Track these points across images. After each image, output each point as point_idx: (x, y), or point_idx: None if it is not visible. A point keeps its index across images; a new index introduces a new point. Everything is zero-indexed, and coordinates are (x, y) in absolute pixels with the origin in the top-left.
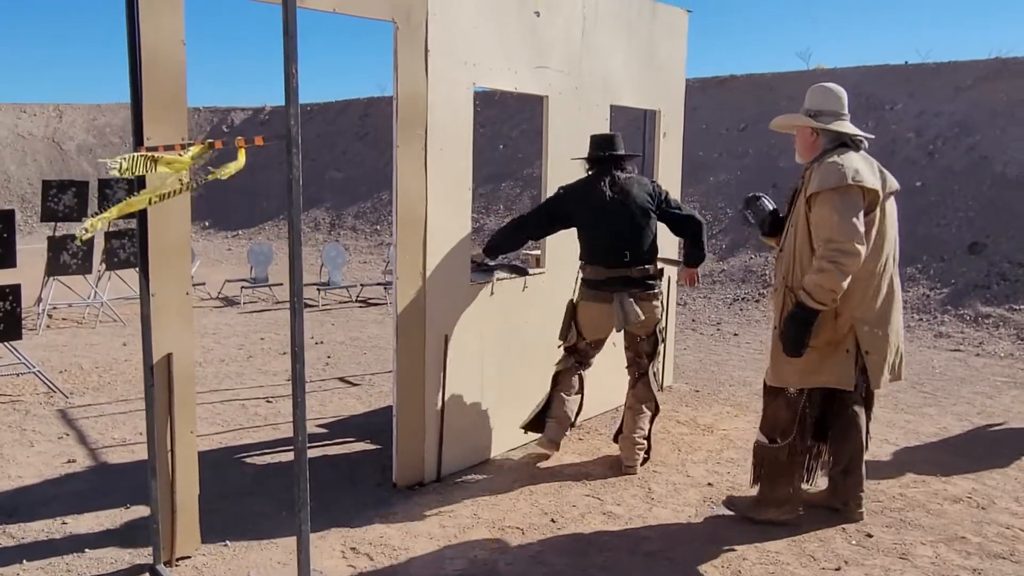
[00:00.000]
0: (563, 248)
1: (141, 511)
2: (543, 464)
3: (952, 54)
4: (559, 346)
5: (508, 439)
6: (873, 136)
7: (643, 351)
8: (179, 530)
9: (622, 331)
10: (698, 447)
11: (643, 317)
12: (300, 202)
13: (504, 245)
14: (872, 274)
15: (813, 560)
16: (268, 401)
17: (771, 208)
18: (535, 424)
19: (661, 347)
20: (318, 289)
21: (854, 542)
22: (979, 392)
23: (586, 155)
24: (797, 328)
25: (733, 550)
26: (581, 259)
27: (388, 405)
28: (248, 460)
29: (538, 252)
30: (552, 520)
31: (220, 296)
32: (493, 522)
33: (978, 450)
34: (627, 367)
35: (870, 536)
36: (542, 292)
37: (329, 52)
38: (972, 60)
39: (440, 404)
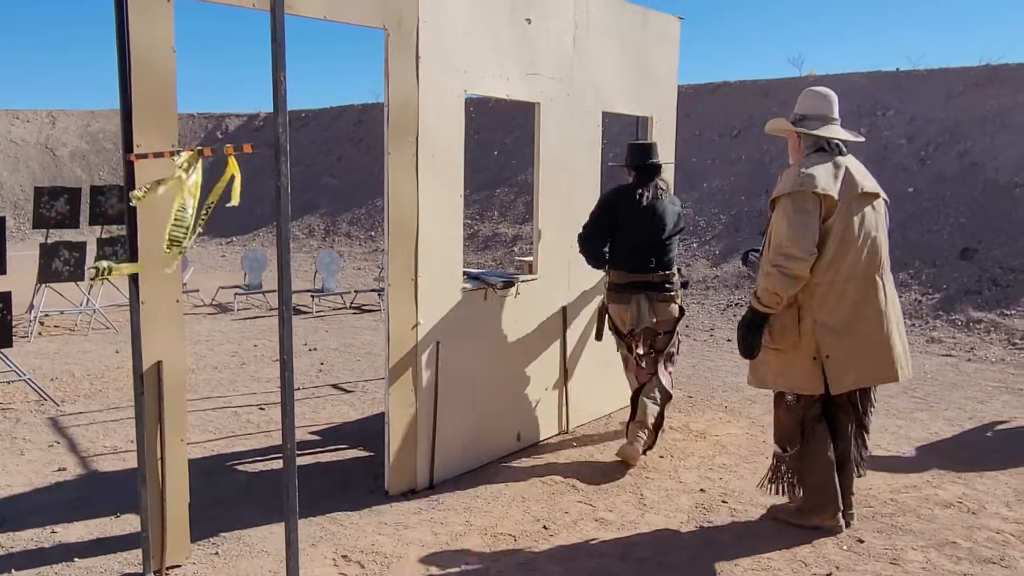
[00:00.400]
0: (555, 255)
1: (131, 520)
2: (535, 471)
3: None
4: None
5: (502, 445)
6: (863, 139)
7: (658, 346)
8: (169, 539)
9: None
10: (691, 453)
11: (655, 320)
12: (288, 210)
13: (595, 261)
14: (836, 280)
15: (805, 566)
16: (261, 408)
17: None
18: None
19: (677, 339)
20: (312, 295)
21: (845, 548)
22: (970, 397)
23: (625, 162)
24: (745, 330)
25: (725, 556)
26: (609, 263)
27: (381, 412)
28: (240, 468)
29: (531, 259)
30: (544, 527)
31: (214, 303)
32: (485, 529)
33: (968, 455)
34: (643, 357)
35: (861, 542)
36: (535, 298)
37: (324, 58)
38: (963, 67)
39: (433, 411)
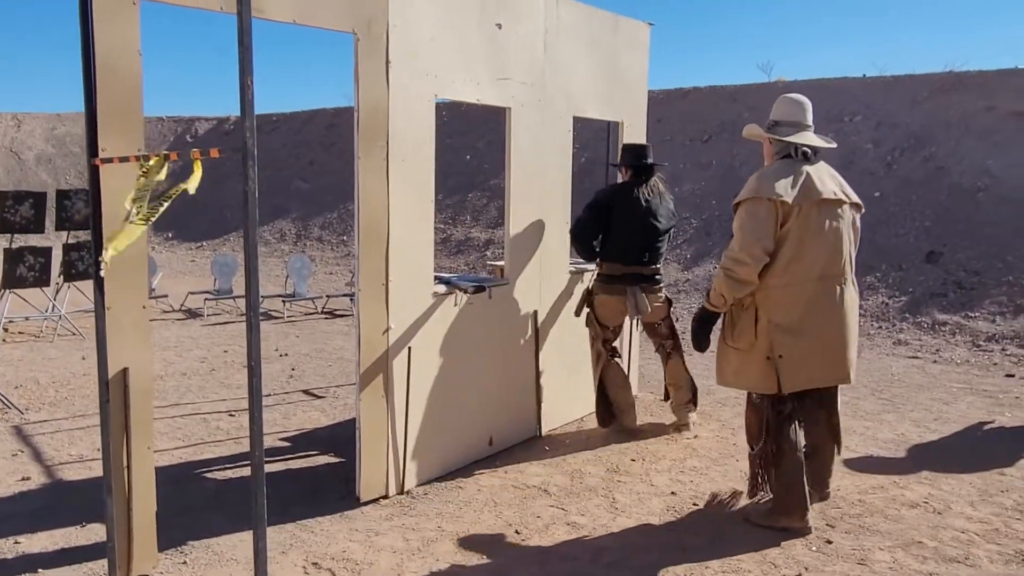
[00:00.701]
0: (526, 259)
1: (97, 529)
2: (508, 476)
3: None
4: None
5: (473, 450)
6: (835, 145)
7: (663, 334)
8: (136, 548)
9: (638, 322)
10: (662, 456)
11: (651, 309)
12: (256, 215)
13: (587, 254)
14: (791, 282)
15: (774, 567)
16: (231, 415)
17: None
18: (605, 419)
19: (678, 325)
20: (283, 301)
21: (814, 548)
22: (936, 399)
23: (619, 160)
24: (697, 326)
25: (695, 558)
26: (600, 255)
27: (352, 417)
28: (209, 475)
29: (502, 263)
30: (516, 531)
31: (183, 308)
32: (457, 534)
33: (934, 456)
34: (656, 351)
35: (830, 542)
36: (506, 302)
37: (296, 61)
38: (928, 73)
39: (404, 416)
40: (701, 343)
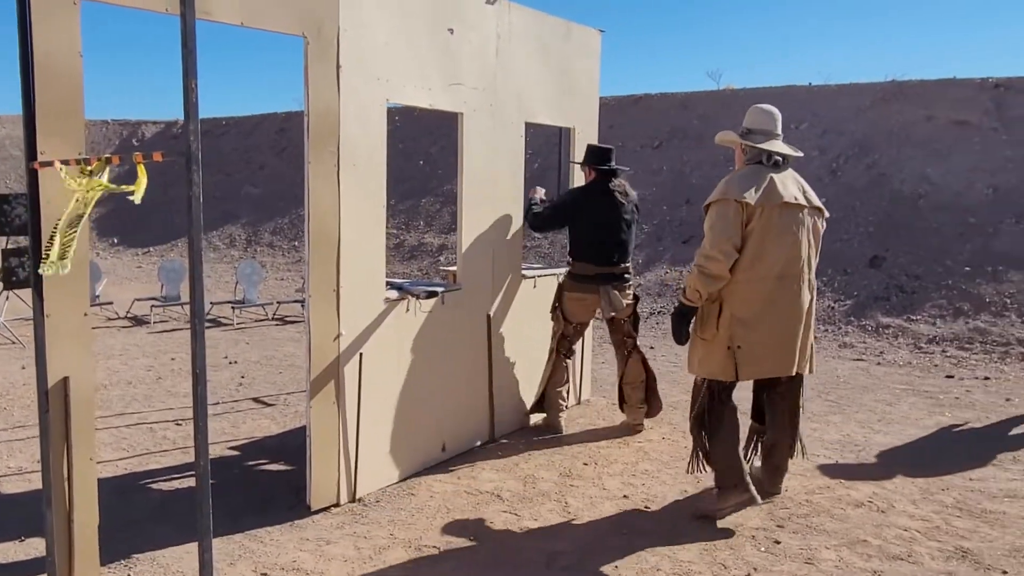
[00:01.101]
0: (479, 264)
1: (37, 543)
2: (461, 482)
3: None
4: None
5: (426, 457)
6: (801, 154)
7: (628, 331)
8: (77, 563)
9: (604, 319)
10: (614, 460)
11: (624, 306)
12: (200, 220)
13: (539, 232)
14: (752, 279)
15: (724, 568)
16: (178, 424)
17: None
18: (534, 407)
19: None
20: (233, 307)
21: (763, 549)
22: (880, 400)
23: (583, 161)
24: (675, 321)
25: (647, 561)
26: (571, 255)
27: (303, 425)
28: (155, 486)
29: (455, 269)
30: (470, 537)
31: (129, 315)
32: (409, 542)
33: (878, 456)
34: (617, 349)
35: (778, 543)
36: (459, 308)
37: (246, 65)
38: (871, 82)
39: (356, 423)
40: (680, 336)
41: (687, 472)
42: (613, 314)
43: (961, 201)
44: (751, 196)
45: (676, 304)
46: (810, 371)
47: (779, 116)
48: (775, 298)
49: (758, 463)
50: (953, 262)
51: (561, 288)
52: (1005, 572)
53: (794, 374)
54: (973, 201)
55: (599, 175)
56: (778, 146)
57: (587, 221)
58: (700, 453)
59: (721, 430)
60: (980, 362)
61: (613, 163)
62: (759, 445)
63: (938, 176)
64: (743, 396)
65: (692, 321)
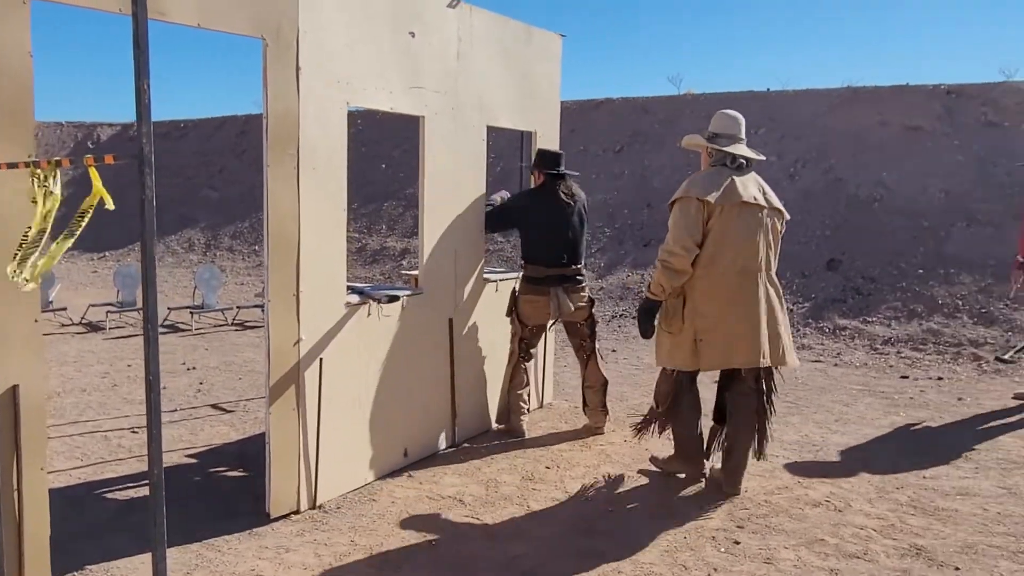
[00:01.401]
0: (441, 268)
1: None
2: (423, 487)
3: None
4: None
5: (388, 462)
6: (763, 158)
7: (585, 335)
8: (28, 574)
9: (561, 322)
10: (576, 463)
11: (574, 308)
12: (154, 224)
13: (489, 229)
14: (713, 274)
15: (685, 569)
16: (134, 431)
17: None
18: (500, 416)
19: (596, 327)
20: (191, 312)
21: (723, 550)
22: (837, 400)
23: (532, 164)
24: (642, 315)
25: (608, 563)
26: (523, 258)
27: (263, 431)
28: (110, 495)
29: (417, 272)
30: (431, 543)
31: (84, 321)
32: (371, 548)
33: (835, 456)
34: (576, 352)
35: (737, 543)
36: (421, 312)
37: (205, 67)
38: (827, 88)
39: (316, 429)
40: (646, 329)
41: (635, 437)
42: (560, 316)
43: (914, 205)
44: (712, 195)
45: (642, 299)
46: (788, 364)
47: (743, 121)
48: (735, 293)
49: (718, 464)
50: (907, 265)
51: (515, 291)
52: (958, 568)
53: (762, 366)
54: (926, 205)
55: (547, 179)
56: (741, 149)
57: (534, 224)
58: (657, 424)
59: (683, 408)
60: (933, 363)
61: (563, 167)
62: (721, 445)
63: (892, 180)
64: (706, 398)
65: (657, 315)
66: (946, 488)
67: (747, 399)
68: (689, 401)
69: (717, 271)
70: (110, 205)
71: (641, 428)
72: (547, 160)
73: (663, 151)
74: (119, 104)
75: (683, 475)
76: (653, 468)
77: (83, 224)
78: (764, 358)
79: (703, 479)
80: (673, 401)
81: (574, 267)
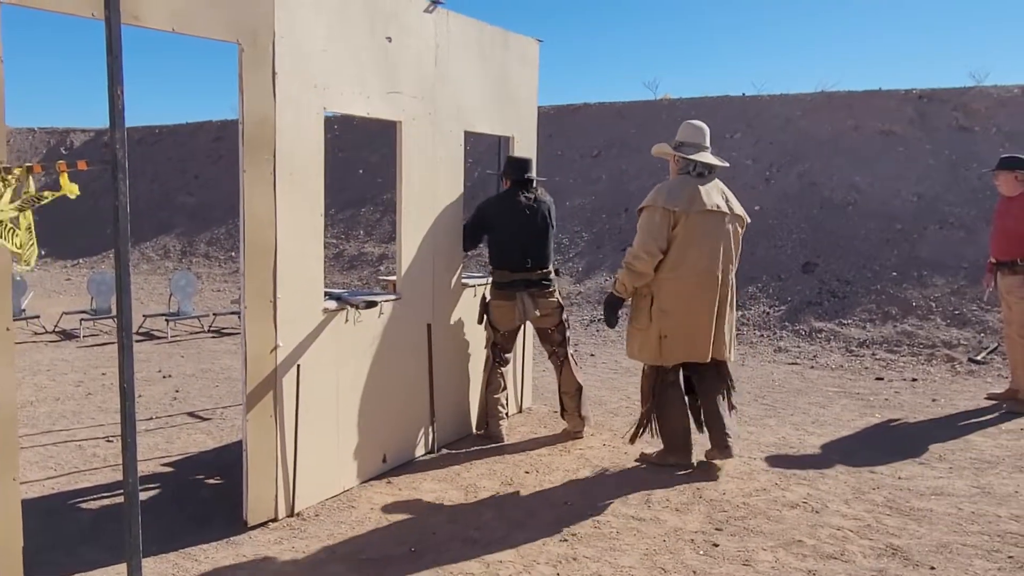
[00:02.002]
0: (419, 273)
1: None
2: (402, 493)
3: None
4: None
5: (366, 468)
6: (727, 164)
7: (555, 341)
8: None
9: (532, 329)
10: (555, 468)
11: (539, 313)
12: (128, 230)
13: (465, 248)
14: (677, 276)
15: (664, 572)
16: (108, 440)
17: None
18: (479, 423)
19: (569, 333)
20: (167, 320)
21: (702, 552)
22: (813, 402)
23: (502, 171)
24: (607, 308)
25: (588, 567)
26: (491, 263)
27: (240, 439)
28: (84, 505)
29: (395, 278)
30: (411, 549)
31: (57, 329)
32: (350, 555)
33: (812, 457)
34: (549, 358)
35: (716, 545)
36: (399, 317)
37: (180, 72)
38: (802, 93)
39: (294, 436)
40: (610, 321)
41: (630, 442)
42: (527, 320)
43: (888, 208)
44: (678, 203)
45: (607, 295)
46: (728, 359)
47: (707, 130)
48: (695, 294)
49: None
50: (881, 267)
51: (484, 297)
52: (933, 567)
53: (709, 360)
54: (899, 208)
55: (513, 184)
56: (707, 157)
57: (498, 229)
58: (650, 424)
59: (667, 403)
60: (908, 364)
61: (531, 173)
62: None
63: (866, 184)
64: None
65: (619, 311)
66: (921, 488)
67: (707, 382)
68: (672, 396)
69: (681, 275)
70: (75, 192)
71: (636, 433)
72: (513, 166)
73: (640, 156)
74: (93, 110)
75: (674, 465)
76: (650, 462)
77: (39, 202)
78: (717, 354)
79: (692, 466)
80: (657, 397)
81: (540, 272)
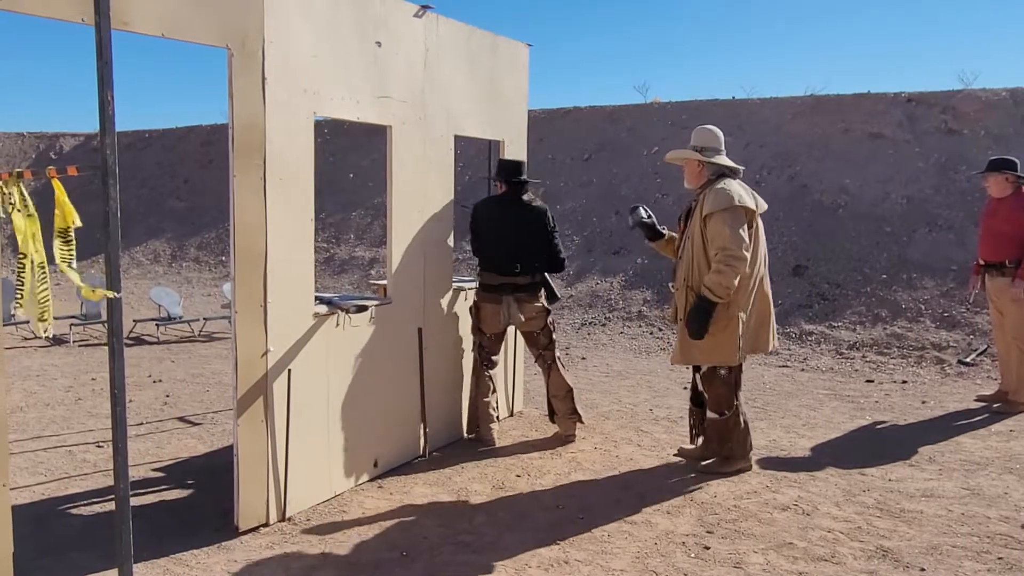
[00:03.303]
0: (409, 277)
1: None
2: (394, 498)
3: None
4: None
5: (357, 473)
6: (744, 167)
7: (541, 344)
8: None
9: (518, 333)
10: (547, 471)
11: (523, 318)
12: (118, 235)
13: (474, 250)
14: (750, 276)
15: (656, 575)
16: (99, 446)
17: (644, 217)
18: (470, 426)
19: (555, 336)
20: (157, 324)
21: (693, 555)
22: (804, 405)
23: (494, 175)
24: (699, 317)
25: (580, 571)
26: (479, 265)
27: (231, 444)
28: (75, 511)
29: (385, 282)
30: (403, 554)
31: (47, 335)
32: (341, 560)
33: (803, 459)
34: (536, 362)
35: (707, 548)
36: (390, 321)
37: (170, 76)
38: (791, 96)
39: (285, 440)
40: (703, 331)
41: (691, 442)
42: (511, 324)
43: (877, 211)
44: (751, 202)
45: (699, 302)
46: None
47: (722, 135)
48: (759, 290)
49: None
50: (871, 270)
51: (474, 303)
52: (923, 569)
53: (770, 350)
54: (888, 211)
55: (508, 188)
56: (729, 161)
57: (486, 232)
58: (719, 430)
59: (741, 413)
60: (898, 366)
61: (524, 175)
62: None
63: (855, 187)
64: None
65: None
66: (911, 490)
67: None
68: (740, 402)
69: (752, 272)
70: (77, 223)
71: (707, 442)
72: (506, 169)
73: (631, 159)
74: (82, 114)
75: (738, 471)
76: (714, 472)
77: (72, 248)
78: (771, 344)
79: (752, 466)
80: (737, 404)
81: (527, 276)
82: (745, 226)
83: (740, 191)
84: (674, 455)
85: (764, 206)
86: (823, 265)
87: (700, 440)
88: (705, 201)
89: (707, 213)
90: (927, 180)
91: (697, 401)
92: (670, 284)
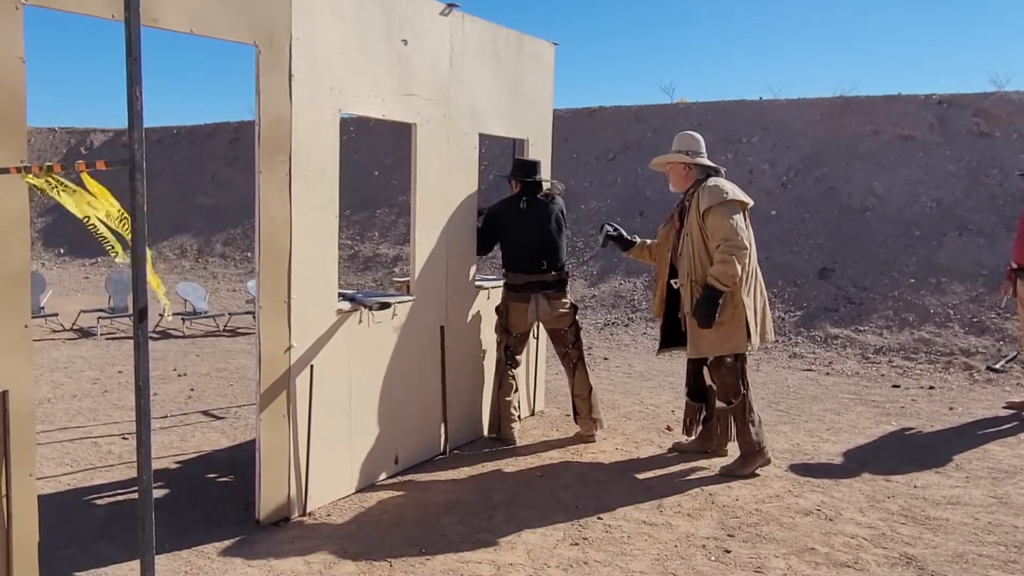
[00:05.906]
0: (433, 275)
1: None
2: (413, 494)
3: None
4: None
5: (378, 469)
6: (726, 168)
7: (568, 341)
8: None
9: (541, 332)
10: (567, 471)
11: (552, 314)
12: (145, 229)
13: (480, 252)
14: (750, 266)
15: None
16: (124, 438)
17: (612, 231)
18: (491, 425)
19: (582, 334)
20: (183, 319)
21: (713, 558)
22: (828, 409)
23: (510, 174)
24: (708, 307)
25: (599, 572)
26: (504, 266)
27: (253, 438)
28: (99, 502)
29: (408, 279)
30: (422, 550)
31: (75, 327)
32: (360, 556)
33: (827, 464)
34: (561, 360)
35: (728, 552)
36: (413, 319)
37: (198, 73)
38: (820, 97)
39: (307, 436)
40: (711, 320)
41: (717, 443)
42: (538, 320)
43: (906, 214)
44: (744, 197)
45: (708, 291)
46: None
47: (703, 139)
48: (758, 280)
49: (693, 437)
50: (899, 274)
51: (502, 299)
52: None
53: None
54: (918, 214)
55: (522, 187)
56: (711, 162)
57: (509, 232)
58: (729, 420)
59: (755, 412)
60: (925, 372)
61: (539, 175)
62: (700, 422)
63: (884, 190)
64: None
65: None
66: (937, 497)
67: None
68: (749, 392)
69: (750, 262)
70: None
71: (721, 434)
72: (521, 168)
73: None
74: (112, 110)
75: (754, 473)
76: (733, 474)
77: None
78: (770, 333)
79: (771, 462)
80: (745, 391)
81: (554, 273)
82: (742, 218)
83: (732, 186)
84: (668, 451)
85: (751, 202)
86: (850, 268)
87: (698, 431)
88: (701, 198)
89: (705, 208)
90: (958, 183)
91: (694, 396)
92: (673, 281)
